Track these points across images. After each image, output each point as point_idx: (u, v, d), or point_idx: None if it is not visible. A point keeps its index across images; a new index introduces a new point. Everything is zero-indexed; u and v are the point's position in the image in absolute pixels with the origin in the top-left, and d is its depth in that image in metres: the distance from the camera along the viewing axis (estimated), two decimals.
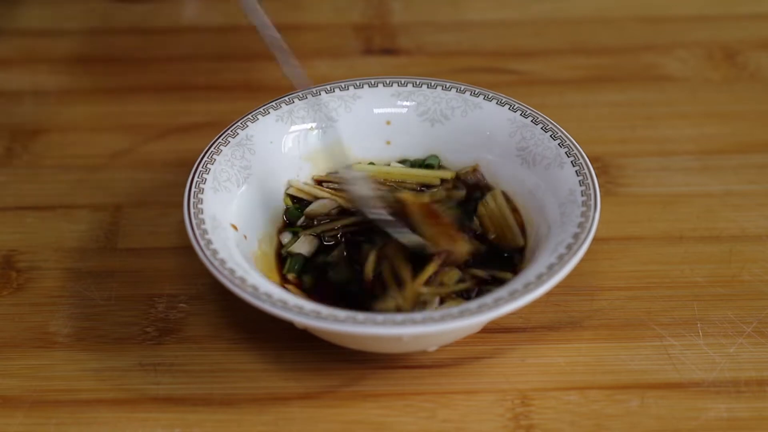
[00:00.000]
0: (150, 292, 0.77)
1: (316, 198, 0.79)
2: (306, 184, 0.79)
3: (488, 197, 0.78)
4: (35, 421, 0.70)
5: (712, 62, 0.97)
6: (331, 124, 0.79)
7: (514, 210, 0.77)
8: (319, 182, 0.80)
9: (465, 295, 0.73)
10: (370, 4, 1.05)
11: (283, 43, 0.75)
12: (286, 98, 0.80)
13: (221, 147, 0.77)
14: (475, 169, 0.80)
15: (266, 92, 0.84)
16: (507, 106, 0.80)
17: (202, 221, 0.72)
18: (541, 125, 0.78)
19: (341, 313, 0.67)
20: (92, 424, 0.70)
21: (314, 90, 0.80)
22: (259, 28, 0.75)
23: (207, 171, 0.75)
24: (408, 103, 0.81)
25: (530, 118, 0.79)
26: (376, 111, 0.81)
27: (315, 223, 0.78)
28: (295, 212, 0.78)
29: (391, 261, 0.73)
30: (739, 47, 0.99)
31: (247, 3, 0.75)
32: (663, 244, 0.80)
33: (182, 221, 0.72)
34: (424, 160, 0.81)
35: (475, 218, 0.78)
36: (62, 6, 1.04)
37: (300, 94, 0.80)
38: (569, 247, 0.70)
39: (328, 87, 0.81)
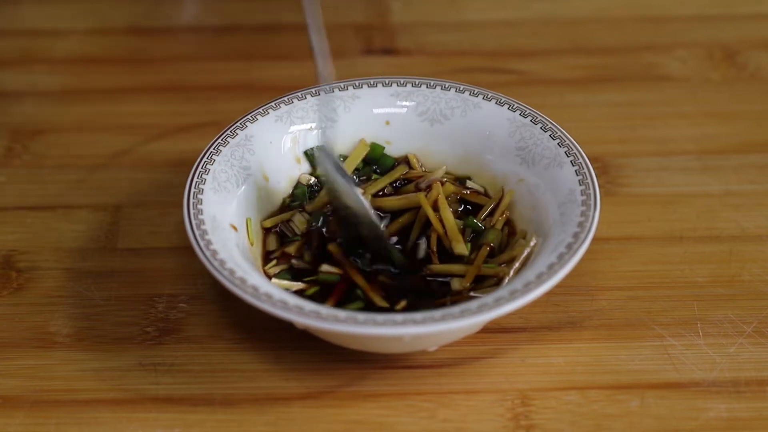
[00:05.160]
0: (150, 292, 0.77)
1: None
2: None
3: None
4: (35, 421, 0.70)
5: (712, 62, 0.97)
6: (332, 124, 0.79)
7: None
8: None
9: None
10: (370, 4, 1.05)
11: (325, 44, 0.75)
12: (286, 98, 0.80)
13: (221, 147, 0.77)
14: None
15: (266, 92, 0.84)
16: (506, 106, 0.80)
17: (202, 221, 0.72)
18: (540, 125, 0.78)
19: (341, 313, 0.67)
20: (92, 424, 0.70)
21: (319, 89, 0.80)
22: (309, 25, 0.75)
23: (206, 171, 0.75)
24: (407, 103, 0.81)
25: (529, 118, 0.79)
26: (375, 111, 0.81)
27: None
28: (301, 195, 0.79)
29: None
30: (739, 47, 0.99)
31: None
32: (663, 244, 0.80)
33: (182, 221, 0.72)
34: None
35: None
36: (62, 6, 1.04)
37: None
38: (569, 246, 0.70)
39: (327, 87, 0.81)
